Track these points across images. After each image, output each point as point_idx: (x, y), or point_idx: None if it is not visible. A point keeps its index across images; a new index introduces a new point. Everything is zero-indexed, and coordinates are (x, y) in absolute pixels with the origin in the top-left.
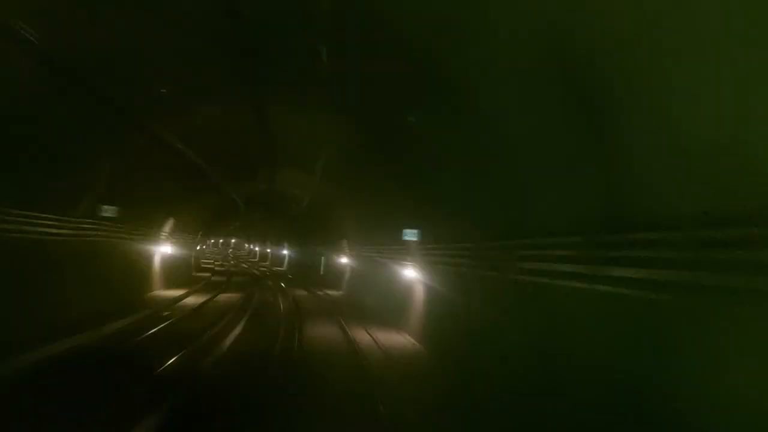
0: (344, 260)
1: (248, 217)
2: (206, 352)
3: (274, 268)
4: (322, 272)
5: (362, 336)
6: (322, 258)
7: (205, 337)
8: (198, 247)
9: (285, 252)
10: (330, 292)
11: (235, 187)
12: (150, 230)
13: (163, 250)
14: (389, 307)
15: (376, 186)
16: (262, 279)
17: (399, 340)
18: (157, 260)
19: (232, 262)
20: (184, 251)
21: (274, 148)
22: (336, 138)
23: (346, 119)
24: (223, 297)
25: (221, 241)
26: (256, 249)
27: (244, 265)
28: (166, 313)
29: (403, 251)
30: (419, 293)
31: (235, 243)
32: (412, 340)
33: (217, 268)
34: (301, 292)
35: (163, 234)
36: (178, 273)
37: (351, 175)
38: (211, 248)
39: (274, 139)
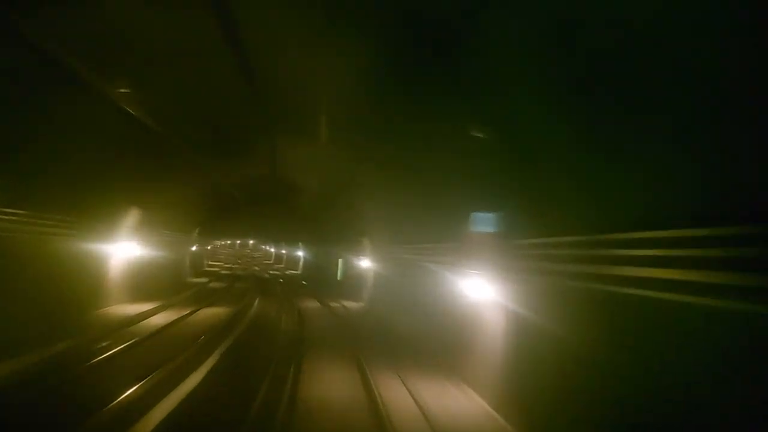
0: (366, 263)
1: (253, 212)
2: None
3: (288, 272)
4: (339, 277)
5: (396, 391)
6: (340, 261)
7: (126, 400)
8: (194, 248)
9: (300, 253)
10: (348, 304)
11: (226, 171)
12: (100, 224)
13: (128, 250)
14: (435, 335)
15: (413, 151)
16: (269, 285)
17: (458, 401)
18: (116, 264)
19: (239, 263)
20: (167, 253)
21: (266, 106)
22: (350, 81)
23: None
24: (206, 313)
25: (238, 242)
26: (272, 250)
27: (255, 268)
28: (102, 344)
29: (461, 251)
30: (495, 321)
31: (253, 244)
32: (483, 403)
33: (223, 272)
34: (311, 305)
35: (125, 230)
36: (157, 279)
37: (375, 142)
38: (225, 249)
39: (265, 93)
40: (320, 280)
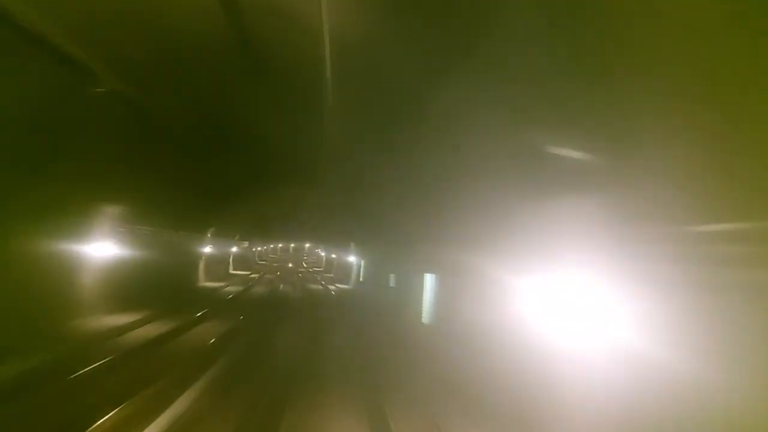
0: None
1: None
2: None
3: (334, 286)
4: (424, 319)
5: None
6: (426, 284)
7: None
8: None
9: (352, 259)
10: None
11: None
12: None
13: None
14: None
15: None
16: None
17: None
18: None
19: (277, 274)
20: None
21: None
22: None
23: None
24: None
25: (292, 245)
26: (322, 254)
27: (282, 287)
28: None
29: None
30: None
31: (309, 248)
32: None
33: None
34: None
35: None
36: None
37: None
38: (266, 254)
39: None
40: (382, 309)
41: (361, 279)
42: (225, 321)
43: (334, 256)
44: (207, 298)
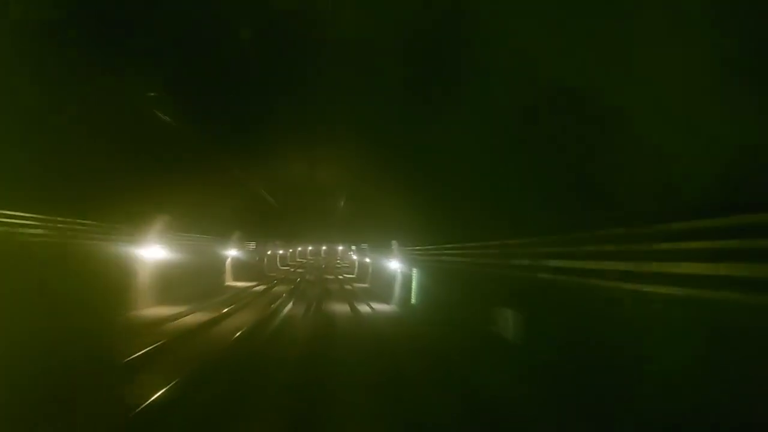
0: None
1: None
2: None
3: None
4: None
5: None
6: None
7: None
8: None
9: (395, 267)
10: None
11: None
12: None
13: None
14: None
15: None
16: None
17: None
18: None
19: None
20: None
21: None
22: None
23: None
24: None
25: (323, 248)
26: (354, 257)
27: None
28: None
29: None
30: None
31: (342, 251)
32: None
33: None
34: None
35: None
36: None
37: None
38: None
39: None
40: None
41: (413, 300)
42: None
43: (368, 260)
44: None
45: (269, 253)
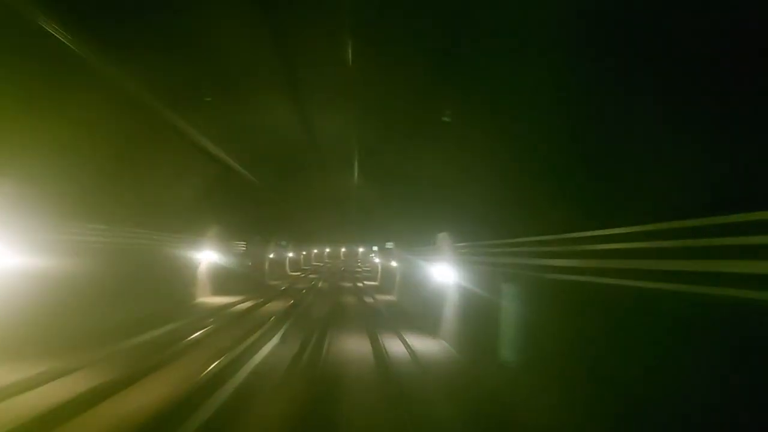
0: None
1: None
2: None
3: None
4: None
5: None
6: None
7: None
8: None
9: (443, 275)
10: None
11: None
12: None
13: None
14: None
15: None
16: None
17: None
18: None
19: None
20: None
21: None
22: None
23: None
24: None
25: (343, 250)
26: (376, 261)
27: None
28: None
29: None
30: None
31: (363, 253)
32: None
33: None
34: None
35: None
36: None
37: None
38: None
39: None
40: None
41: (506, 352)
42: None
43: (394, 263)
44: None
45: (271, 256)
